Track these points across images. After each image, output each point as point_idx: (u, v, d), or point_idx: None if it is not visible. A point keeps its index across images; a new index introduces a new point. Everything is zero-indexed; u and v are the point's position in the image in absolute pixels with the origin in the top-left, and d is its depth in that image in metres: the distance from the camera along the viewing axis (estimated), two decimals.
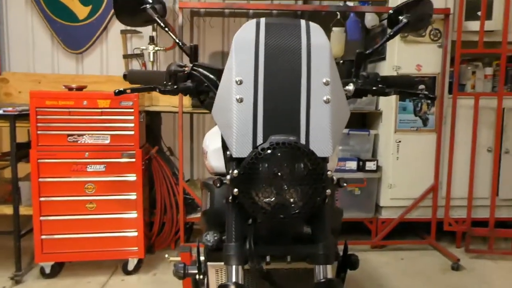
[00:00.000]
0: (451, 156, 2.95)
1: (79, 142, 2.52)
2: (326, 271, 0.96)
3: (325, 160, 0.91)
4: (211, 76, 1.11)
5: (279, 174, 0.87)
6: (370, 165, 3.05)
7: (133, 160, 2.57)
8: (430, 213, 3.04)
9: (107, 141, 2.55)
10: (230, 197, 0.92)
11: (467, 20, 2.91)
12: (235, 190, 0.88)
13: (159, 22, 1.20)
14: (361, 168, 3.05)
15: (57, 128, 2.49)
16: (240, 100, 0.90)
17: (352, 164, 3.06)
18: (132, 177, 2.58)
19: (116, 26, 3.35)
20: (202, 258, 1.35)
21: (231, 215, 0.96)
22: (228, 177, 0.89)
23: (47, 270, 2.58)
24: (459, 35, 2.82)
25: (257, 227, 0.98)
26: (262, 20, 0.99)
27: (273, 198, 0.88)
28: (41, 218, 2.52)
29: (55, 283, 2.54)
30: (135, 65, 3.39)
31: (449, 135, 2.95)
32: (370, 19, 3.00)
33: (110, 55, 3.41)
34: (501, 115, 2.90)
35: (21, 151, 2.55)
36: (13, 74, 3.31)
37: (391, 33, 1.21)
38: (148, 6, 1.21)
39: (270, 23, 0.98)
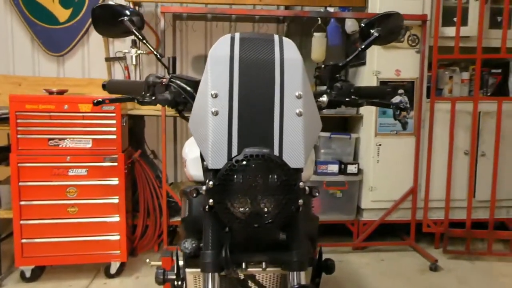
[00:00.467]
0: (429, 159, 3.02)
1: (60, 146, 2.51)
2: (299, 277, 0.99)
3: (298, 171, 0.94)
4: (188, 88, 1.13)
5: (253, 185, 0.90)
6: (352, 168, 3.10)
7: (115, 164, 2.57)
8: (410, 214, 3.10)
9: (89, 145, 2.55)
10: (207, 207, 0.94)
11: (444, 26, 2.98)
12: (211, 200, 0.91)
13: (137, 34, 1.22)
14: (342, 171, 3.10)
15: (37, 132, 2.48)
16: (216, 113, 0.93)
17: (334, 167, 3.10)
18: (114, 181, 2.59)
19: None
20: (182, 263, 1.37)
21: (208, 224, 0.98)
22: (204, 187, 0.92)
23: (28, 274, 2.56)
24: (435, 41, 2.89)
25: (234, 235, 1.01)
26: (237, 35, 1.02)
27: (248, 208, 0.91)
28: (21, 222, 2.51)
29: (36, 287, 2.52)
30: (118, 68, 3.38)
31: (427, 139, 3.01)
32: (350, 25, 3.05)
33: (92, 58, 3.40)
34: (477, 119, 2.98)
35: (1, 154, 2.54)
36: None
37: (363, 46, 1.24)
38: (125, 18, 1.22)
39: (245, 38, 1.00)
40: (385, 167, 3.07)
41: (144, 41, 1.22)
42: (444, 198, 3.02)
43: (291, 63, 0.98)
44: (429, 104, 2.99)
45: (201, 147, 0.94)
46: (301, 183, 0.92)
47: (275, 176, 0.91)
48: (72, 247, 2.56)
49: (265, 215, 0.91)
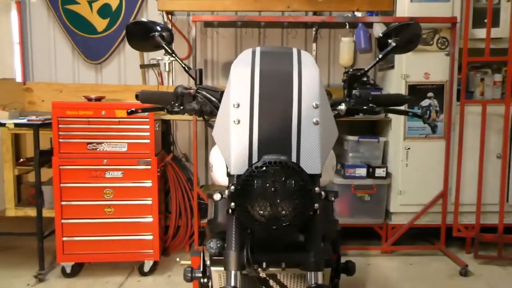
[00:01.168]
0: (459, 162, 2.98)
1: (98, 150, 2.66)
2: (317, 277, 1.04)
3: (314, 176, 0.99)
4: (213, 98, 1.21)
5: (272, 189, 0.96)
6: (380, 172, 3.10)
7: (149, 167, 2.69)
8: (440, 219, 3.08)
9: (124, 149, 2.68)
10: (230, 210, 1.01)
11: (474, 27, 2.95)
12: (232, 204, 0.98)
13: (167, 49, 1.31)
14: (371, 175, 3.11)
15: (77, 137, 2.64)
16: (237, 122, 1.00)
17: (362, 171, 3.12)
18: (148, 183, 2.71)
19: None
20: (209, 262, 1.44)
21: (231, 225, 1.05)
22: (227, 192, 0.99)
23: (68, 270, 2.72)
24: (465, 43, 2.86)
25: (255, 236, 1.08)
26: (258, 49, 1.09)
27: (266, 211, 0.97)
28: (63, 221, 2.67)
29: (75, 282, 2.68)
30: (152, 74, 3.52)
31: (458, 142, 2.98)
32: (378, 29, 3.06)
33: (128, 65, 3.56)
34: (509, 121, 2.92)
35: (44, 157, 2.71)
36: (37, 84, 3.50)
37: (380, 56, 1.28)
38: (156, 34, 1.32)
39: (265, 52, 1.07)
40: (414, 171, 3.06)
41: (174, 55, 1.31)
42: (475, 202, 2.98)
43: (308, 75, 1.04)
44: (459, 107, 2.96)
45: (223, 154, 1.02)
46: (316, 188, 0.97)
47: (292, 182, 0.96)
48: (109, 246, 2.70)
49: (283, 218, 0.97)
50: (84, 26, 3.46)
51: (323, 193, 0.99)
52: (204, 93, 1.23)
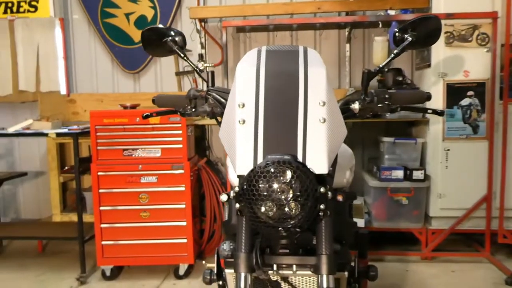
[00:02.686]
0: (504, 164, 2.81)
1: (133, 156, 2.74)
2: (329, 281, 1.00)
3: (322, 176, 0.96)
4: (222, 100, 1.22)
5: (277, 190, 0.94)
6: (418, 174, 2.99)
7: (182, 171, 2.74)
8: (484, 224, 2.91)
9: (158, 154, 2.75)
10: (238, 211, 1.00)
11: None
12: (237, 205, 0.97)
13: (179, 53, 1.33)
14: (408, 177, 3.00)
15: (114, 144, 2.74)
16: (243, 122, 0.99)
17: (399, 173, 3.01)
18: (181, 188, 2.75)
19: None
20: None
21: (240, 227, 1.04)
22: (232, 193, 0.98)
23: (108, 273, 2.82)
24: (507, 39, 2.71)
25: (266, 238, 1.07)
26: (264, 48, 1.08)
27: (271, 212, 0.95)
28: (102, 225, 2.77)
29: (114, 285, 2.76)
30: (187, 81, 3.60)
31: (502, 143, 2.81)
32: None
33: (164, 73, 3.66)
34: None
35: (84, 165, 2.82)
36: (80, 95, 3.68)
37: (396, 52, 1.23)
38: (169, 39, 1.35)
39: (270, 51, 1.06)
40: (454, 173, 2.92)
41: (185, 58, 1.33)
42: None
43: (314, 72, 1.02)
44: (502, 106, 2.80)
45: (229, 155, 1.01)
46: (322, 188, 0.94)
47: (298, 181, 0.94)
48: (145, 249, 2.77)
49: (288, 218, 0.95)
50: (122, 38, 3.60)
51: (329, 193, 0.96)
52: (214, 94, 1.24)
